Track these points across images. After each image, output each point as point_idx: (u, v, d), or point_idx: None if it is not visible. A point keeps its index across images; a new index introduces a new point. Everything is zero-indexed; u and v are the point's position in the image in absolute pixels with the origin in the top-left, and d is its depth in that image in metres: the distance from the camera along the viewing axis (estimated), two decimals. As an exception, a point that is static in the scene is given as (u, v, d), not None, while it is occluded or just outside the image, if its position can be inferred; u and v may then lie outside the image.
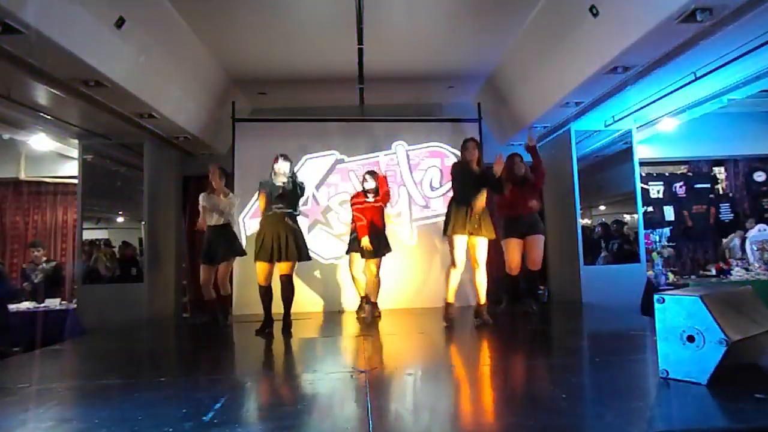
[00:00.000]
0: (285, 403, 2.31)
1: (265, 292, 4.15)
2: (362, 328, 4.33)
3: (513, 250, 4.56)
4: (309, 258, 4.24)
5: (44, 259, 5.92)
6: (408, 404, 2.21)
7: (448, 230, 4.00)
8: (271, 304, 4.17)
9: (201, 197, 4.73)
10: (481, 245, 4.01)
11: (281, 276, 4.11)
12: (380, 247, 4.72)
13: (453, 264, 4.02)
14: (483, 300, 4.09)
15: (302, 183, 4.22)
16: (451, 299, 4.12)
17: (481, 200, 3.91)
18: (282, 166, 4.10)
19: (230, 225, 4.78)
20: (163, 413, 2.06)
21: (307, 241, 4.27)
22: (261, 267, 4.07)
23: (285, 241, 4.01)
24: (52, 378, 2.72)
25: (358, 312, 5.04)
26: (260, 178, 4.26)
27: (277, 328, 4.09)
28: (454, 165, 4.22)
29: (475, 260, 4.04)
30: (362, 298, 4.97)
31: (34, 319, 5.03)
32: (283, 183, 4.06)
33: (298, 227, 4.17)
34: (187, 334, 4.60)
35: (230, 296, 5.01)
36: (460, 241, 3.97)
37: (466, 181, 4.01)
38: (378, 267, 4.72)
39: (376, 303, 4.83)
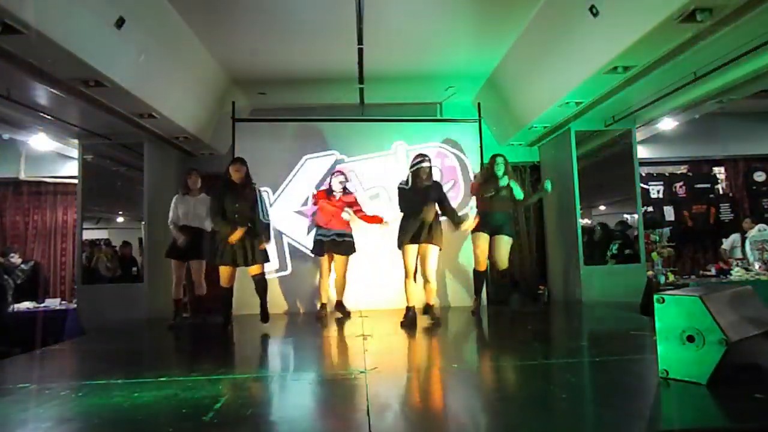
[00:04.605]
0: (285, 403, 2.31)
1: (228, 295, 4.34)
2: (361, 329, 4.33)
3: (481, 244, 4.68)
4: (269, 260, 4.49)
5: (20, 260, 5.91)
6: (408, 404, 2.21)
7: (399, 243, 4.27)
8: (231, 305, 4.40)
9: (175, 199, 4.86)
10: (432, 253, 4.25)
11: (254, 276, 4.32)
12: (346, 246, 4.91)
13: (406, 275, 4.29)
14: (432, 301, 4.38)
15: (259, 192, 4.36)
16: (411, 303, 4.30)
17: (430, 212, 4.17)
18: (236, 173, 4.24)
19: (202, 229, 4.82)
20: (163, 413, 2.06)
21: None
22: (224, 270, 4.24)
23: (248, 246, 4.19)
24: (52, 378, 2.72)
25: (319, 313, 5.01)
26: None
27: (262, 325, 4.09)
28: (401, 184, 4.40)
29: (425, 268, 4.28)
30: (323, 303, 5.05)
31: (34, 319, 5.03)
32: (238, 189, 4.22)
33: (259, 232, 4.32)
34: (187, 334, 4.60)
35: (206, 296, 4.99)
36: (411, 250, 4.24)
37: (412, 194, 4.26)
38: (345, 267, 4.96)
39: (341, 301, 5.05)
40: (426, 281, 4.34)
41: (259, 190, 4.38)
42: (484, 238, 4.67)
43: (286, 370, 3.11)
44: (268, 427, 1.91)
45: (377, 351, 3.33)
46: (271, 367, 3.22)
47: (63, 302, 5.85)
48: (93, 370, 2.88)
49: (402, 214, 4.34)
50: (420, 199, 4.23)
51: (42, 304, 5.50)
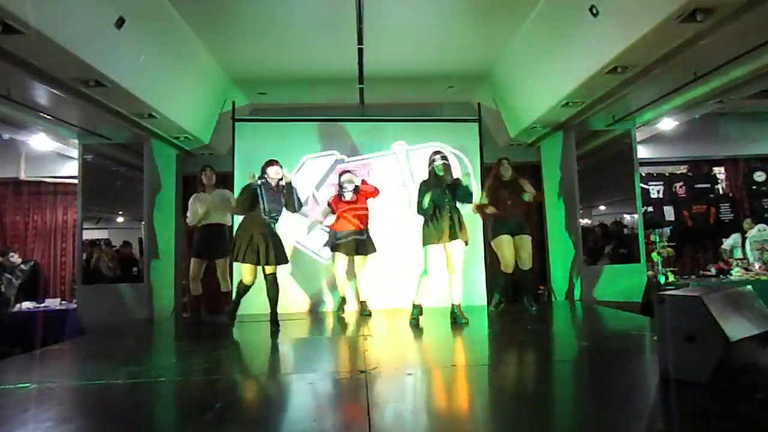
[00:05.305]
0: (285, 403, 2.31)
1: (245, 292, 4.35)
2: (362, 329, 4.33)
3: (505, 247, 4.66)
4: (287, 261, 4.43)
5: (20, 260, 5.92)
6: (408, 404, 2.21)
7: (427, 241, 4.12)
8: (239, 305, 4.43)
9: (193, 198, 4.93)
10: (457, 248, 4.12)
11: (268, 275, 4.26)
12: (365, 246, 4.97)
13: (425, 272, 4.16)
14: (457, 301, 4.19)
15: (297, 192, 4.36)
16: (417, 301, 4.27)
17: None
18: (276, 172, 4.25)
19: (224, 224, 4.88)
20: (163, 413, 2.06)
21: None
22: (249, 268, 4.22)
23: (271, 246, 4.20)
24: (52, 378, 2.72)
25: (339, 312, 5.17)
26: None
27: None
28: (423, 182, 4.25)
29: (450, 265, 4.16)
30: (342, 298, 5.16)
31: (34, 319, 5.04)
32: (277, 189, 4.23)
33: (276, 232, 4.38)
34: (187, 334, 4.60)
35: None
36: (434, 250, 4.12)
37: (435, 192, 4.12)
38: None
39: (364, 301, 5.09)
40: (451, 274, 4.20)
41: (291, 186, 4.32)
42: (508, 240, 4.65)
43: (287, 370, 3.11)
44: (268, 427, 1.91)
45: (378, 351, 3.34)
46: (271, 367, 3.21)
47: (63, 302, 5.85)
48: (93, 370, 2.88)
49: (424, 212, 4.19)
50: (443, 196, 4.13)
51: (42, 304, 5.50)
